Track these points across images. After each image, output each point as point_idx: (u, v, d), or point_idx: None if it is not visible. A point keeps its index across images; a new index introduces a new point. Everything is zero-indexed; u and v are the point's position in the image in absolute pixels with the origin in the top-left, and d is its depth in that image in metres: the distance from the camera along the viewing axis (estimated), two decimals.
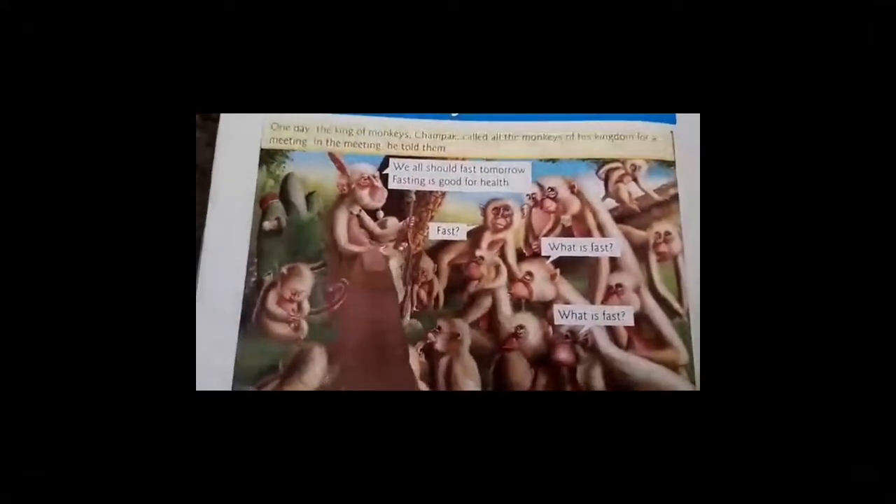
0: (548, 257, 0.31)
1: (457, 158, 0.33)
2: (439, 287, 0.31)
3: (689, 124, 0.33)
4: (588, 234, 0.32)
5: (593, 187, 0.33)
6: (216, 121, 0.33)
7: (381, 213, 0.32)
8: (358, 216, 0.32)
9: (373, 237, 0.32)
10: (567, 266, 0.31)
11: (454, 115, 0.33)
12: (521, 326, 0.30)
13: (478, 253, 0.31)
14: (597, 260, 0.31)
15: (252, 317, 0.30)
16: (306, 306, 0.30)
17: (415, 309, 0.30)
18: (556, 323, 0.30)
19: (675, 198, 0.32)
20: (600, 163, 0.33)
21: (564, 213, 0.32)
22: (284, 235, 0.31)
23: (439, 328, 0.30)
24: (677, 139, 0.33)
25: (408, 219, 0.32)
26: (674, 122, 0.34)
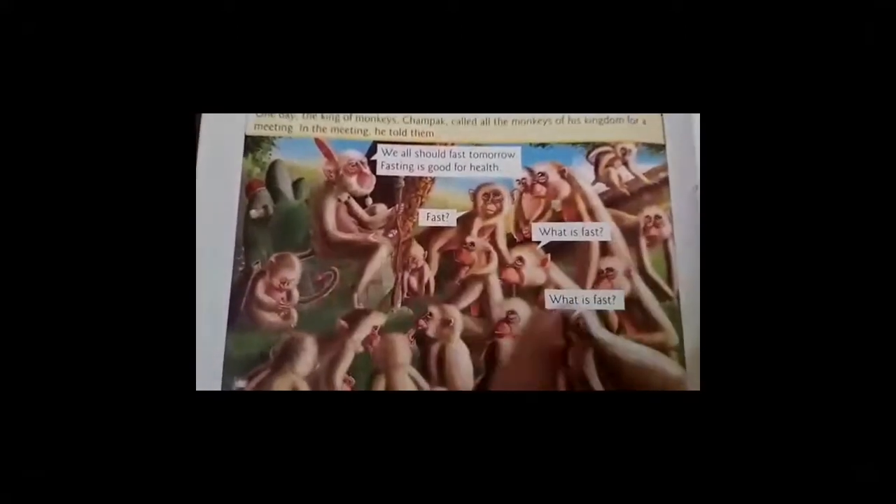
0: (538, 242, 0.31)
1: (445, 144, 0.33)
2: (430, 274, 0.31)
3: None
4: (578, 218, 0.32)
5: (583, 172, 0.33)
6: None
7: (369, 200, 0.32)
8: (346, 203, 0.32)
9: (362, 224, 0.31)
10: (558, 251, 0.31)
11: None
12: (513, 312, 0.30)
13: (468, 239, 0.31)
14: (587, 244, 0.31)
15: (241, 306, 0.29)
16: (296, 294, 0.30)
17: (406, 296, 0.30)
18: (547, 308, 0.30)
19: (666, 181, 0.32)
20: (590, 147, 0.33)
21: (555, 198, 0.32)
22: (272, 223, 0.31)
23: (431, 315, 0.30)
24: (667, 123, 0.33)
25: (397, 205, 0.32)
26: None
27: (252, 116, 0.32)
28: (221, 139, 0.32)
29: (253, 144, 0.32)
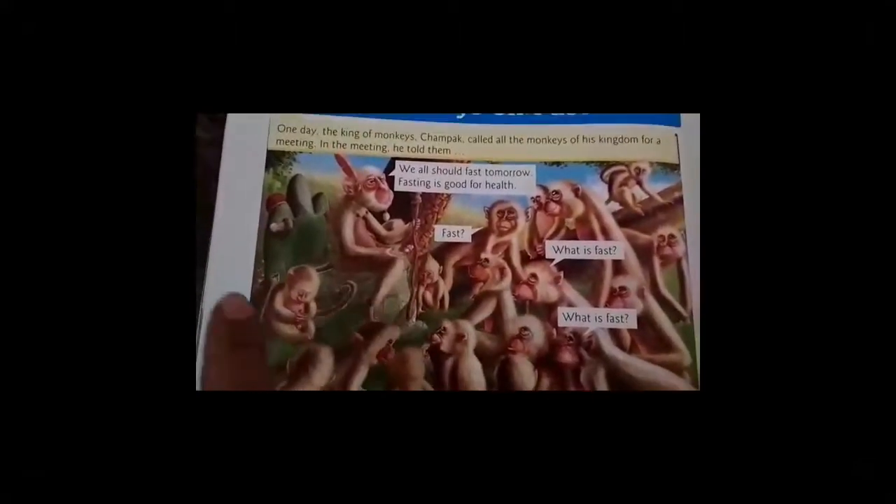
0: (552, 260, 0.32)
1: (462, 161, 0.33)
2: (445, 289, 0.31)
3: (693, 127, 0.33)
4: (592, 237, 0.32)
5: (597, 190, 0.33)
6: (222, 122, 0.33)
7: (387, 216, 0.32)
8: (364, 218, 0.32)
9: (379, 239, 0.32)
10: (571, 269, 0.31)
11: (460, 116, 0.34)
12: (526, 328, 0.30)
13: (483, 255, 0.32)
14: (601, 263, 0.32)
15: (259, 318, 0.30)
16: (313, 307, 0.30)
17: (420, 310, 0.31)
18: (560, 325, 0.30)
19: (680, 201, 0.33)
20: (604, 166, 0.33)
21: (568, 216, 0.32)
22: (291, 237, 0.32)
23: (445, 329, 0.30)
24: (682, 142, 0.34)
25: (414, 221, 0.32)
26: (678, 124, 0.34)
27: (274, 132, 0.33)
28: (244, 154, 0.33)
29: (274, 159, 0.33)
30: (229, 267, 0.30)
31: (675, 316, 0.31)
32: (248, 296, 0.30)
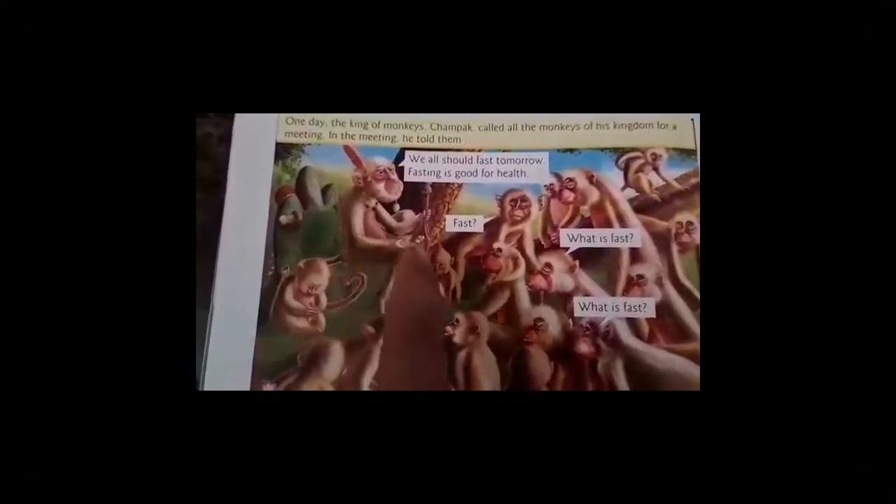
0: (567, 249, 0.31)
1: (472, 150, 0.33)
2: (457, 280, 0.30)
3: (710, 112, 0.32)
4: (608, 224, 0.31)
5: (612, 177, 0.32)
6: (231, 117, 0.33)
7: (397, 206, 0.32)
8: (374, 209, 0.32)
9: (389, 230, 0.32)
10: (586, 257, 0.31)
11: None
12: (541, 319, 0.30)
13: (495, 245, 0.31)
14: (617, 251, 0.31)
15: (270, 311, 0.30)
16: (324, 300, 0.30)
17: None
18: (576, 315, 0.30)
19: (697, 187, 0.32)
20: (619, 152, 0.33)
21: (583, 204, 0.32)
22: (301, 229, 0.31)
23: (457, 321, 0.30)
24: (699, 127, 0.33)
25: (424, 211, 0.32)
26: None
27: (283, 124, 0.33)
28: (253, 147, 0.32)
29: (283, 151, 0.32)
30: (239, 260, 0.30)
31: (694, 304, 0.30)
32: (258, 289, 0.30)
